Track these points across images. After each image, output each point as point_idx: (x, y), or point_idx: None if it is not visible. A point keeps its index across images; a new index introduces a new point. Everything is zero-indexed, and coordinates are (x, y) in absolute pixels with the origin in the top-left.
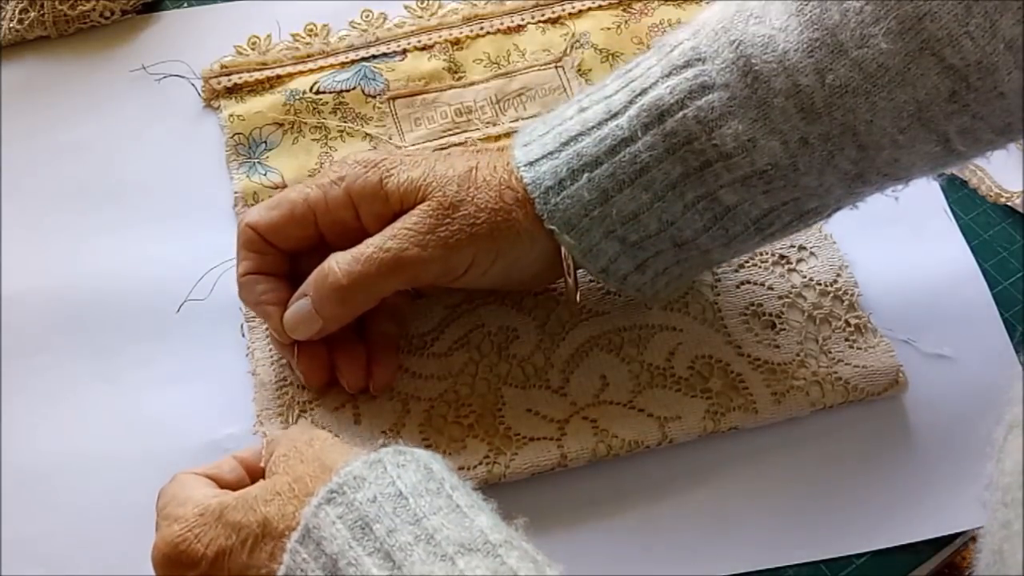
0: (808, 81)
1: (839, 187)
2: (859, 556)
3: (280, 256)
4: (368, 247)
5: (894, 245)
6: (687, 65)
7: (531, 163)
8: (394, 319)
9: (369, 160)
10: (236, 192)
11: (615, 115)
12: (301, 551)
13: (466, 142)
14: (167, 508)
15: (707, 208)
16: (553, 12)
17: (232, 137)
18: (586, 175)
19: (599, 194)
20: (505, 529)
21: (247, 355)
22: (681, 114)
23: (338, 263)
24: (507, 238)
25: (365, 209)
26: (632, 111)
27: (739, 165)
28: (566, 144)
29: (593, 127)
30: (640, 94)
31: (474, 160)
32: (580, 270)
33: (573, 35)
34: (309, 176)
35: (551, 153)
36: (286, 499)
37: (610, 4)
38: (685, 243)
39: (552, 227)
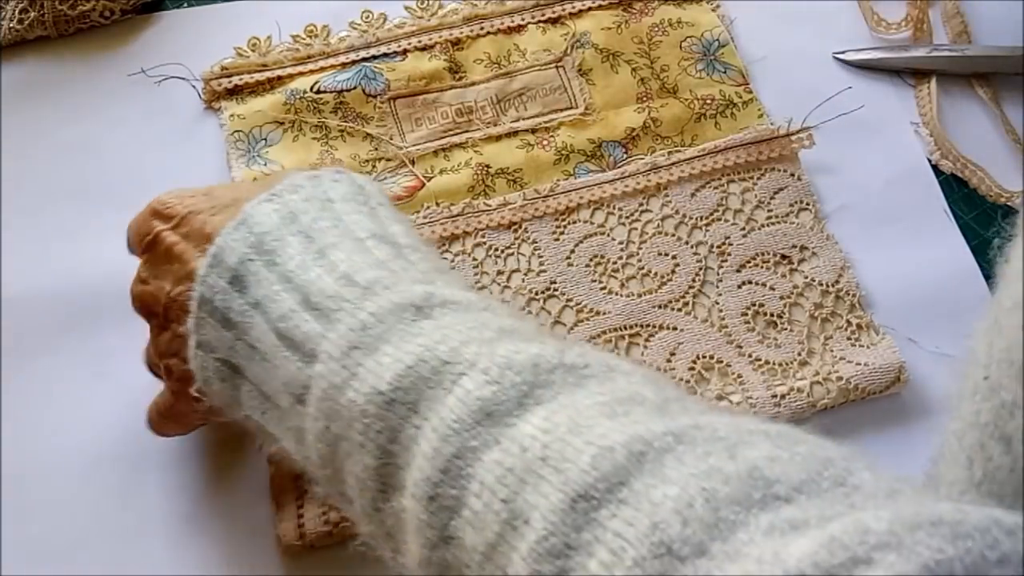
0: None
1: None
2: None
3: None
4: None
5: (894, 245)
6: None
7: None
8: None
9: None
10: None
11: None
12: (233, 233)
13: (467, 142)
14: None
15: None
16: (553, 12)
17: (232, 134)
18: None
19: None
20: (416, 239)
21: None
22: None
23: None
24: None
25: None
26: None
27: None
28: None
29: None
30: None
31: None
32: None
33: (573, 35)
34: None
35: None
36: (223, 209)
37: (610, 4)
38: None
39: None
